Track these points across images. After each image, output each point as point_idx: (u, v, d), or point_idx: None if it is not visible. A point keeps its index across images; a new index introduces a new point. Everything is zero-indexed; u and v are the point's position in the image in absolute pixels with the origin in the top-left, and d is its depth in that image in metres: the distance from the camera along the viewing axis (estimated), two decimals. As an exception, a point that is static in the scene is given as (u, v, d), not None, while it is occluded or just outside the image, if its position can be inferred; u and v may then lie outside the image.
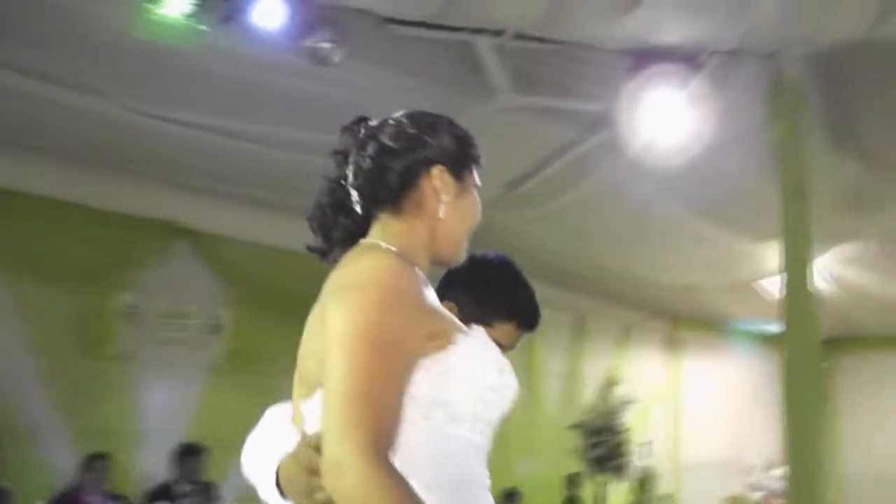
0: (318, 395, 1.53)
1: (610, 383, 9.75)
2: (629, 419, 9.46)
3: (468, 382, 1.58)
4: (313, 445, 1.50)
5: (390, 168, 1.72)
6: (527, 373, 9.76)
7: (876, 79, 6.47)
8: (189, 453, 7.20)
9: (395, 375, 1.49)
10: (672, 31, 5.66)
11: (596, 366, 10.86)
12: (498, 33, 5.53)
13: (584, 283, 10.35)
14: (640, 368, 11.47)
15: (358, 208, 1.76)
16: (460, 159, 1.79)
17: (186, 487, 7.13)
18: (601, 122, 6.86)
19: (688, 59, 6.08)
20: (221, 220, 7.95)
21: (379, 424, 1.42)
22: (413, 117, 1.79)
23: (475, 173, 1.83)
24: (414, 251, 1.70)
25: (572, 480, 9.54)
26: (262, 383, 7.62)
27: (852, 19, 5.46)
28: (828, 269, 9.44)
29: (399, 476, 1.39)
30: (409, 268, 1.60)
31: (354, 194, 1.75)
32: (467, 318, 1.87)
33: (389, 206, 1.73)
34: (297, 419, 1.67)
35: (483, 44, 5.54)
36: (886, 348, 11.99)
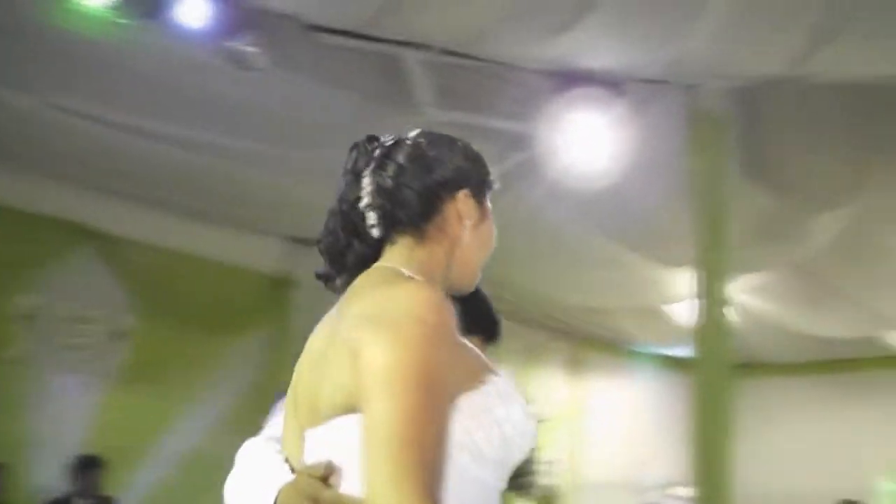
0: (336, 425, 1.49)
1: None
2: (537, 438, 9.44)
3: (497, 426, 1.52)
4: (317, 476, 1.47)
5: (414, 189, 1.65)
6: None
7: (793, 115, 6.62)
8: (88, 465, 6.90)
9: (444, 419, 1.42)
10: (598, 57, 5.69)
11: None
12: (425, 47, 5.48)
13: (497, 304, 10.33)
14: (544, 388, 11.51)
15: (374, 231, 1.66)
16: (480, 183, 1.75)
17: (84, 502, 6.86)
18: (521, 142, 6.87)
19: (611, 84, 6.12)
20: (129, 223, 7.70)
21: (432, 472, 1.36)
22: (430, 138, 1.74)
23: (488, 198, 1.77)
24: (433, 278, 1.64)
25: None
26: (166, 393, 7.44)
27: (775, 57, 5.56)
28: (732, 297, 9.62)
29: None
30: (446, 301, 1.51)
31: (372, 216, 1.65)
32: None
33: (411, 229, 1.65)
34: (291, 447, 1.62)
35: (409, 57, 5.49)
36: (786, 374, 12.42)
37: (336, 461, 1.50)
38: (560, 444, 11.31)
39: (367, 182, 1.67)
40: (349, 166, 1.71)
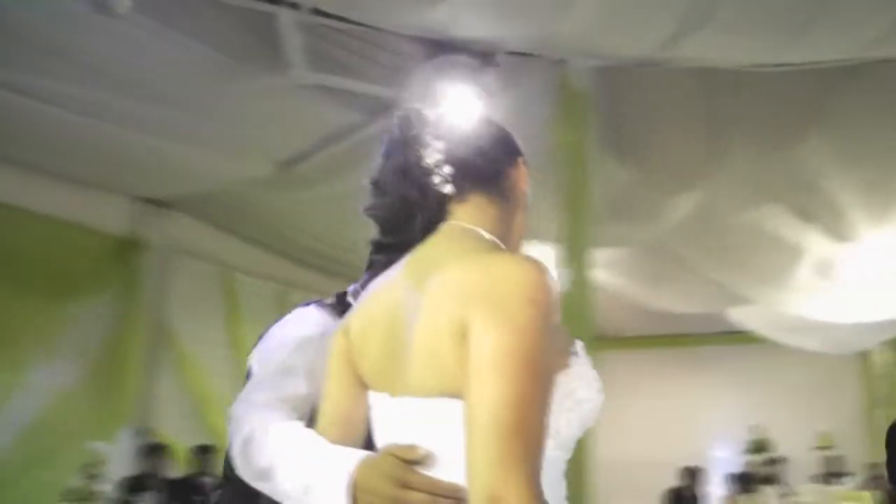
0: (433, 405, 1.49)
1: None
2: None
3: (578, 407, 1.55)
4: (409, 458, 1.47)
5: (487, 148, 1.74)
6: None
7: (655, 96, 6.72)
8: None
9: (547, 406, 1.42)
10: (472, 26, 5.60)
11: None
12: (296, 7, 5.27)
13: (348, 271, 10.18)
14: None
15: (446, 188, 1.71)
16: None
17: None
18: (389, 107, 6.75)
19: (482, 55, 6.06)
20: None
21: (537, 459, 1.37)
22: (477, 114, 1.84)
23: None
24: (504, 239, 1.69)
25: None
26: (4, 360, 6.99)
27: (644, 40, 5.61)
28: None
29: None
30: (551, 278, 1.49)
31: (444, 172, 1.71)
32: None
33: (483, 186, 1.72)
34: (339, 405, 1.67)
35: (280, 15, 5.27)
36: (639, 347, 12.85)
37: (429, 443, 1.51)
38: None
39: (435, 143, 1.74)
40: (405, 133, 1.79)
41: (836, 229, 8.57)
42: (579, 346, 1.62)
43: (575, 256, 6.25)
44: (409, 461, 1.49)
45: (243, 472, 1.76)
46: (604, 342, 12.01)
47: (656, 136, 7.12)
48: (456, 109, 6.21)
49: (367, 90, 6.30)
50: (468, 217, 1.70)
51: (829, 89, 6.65)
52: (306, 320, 2.12)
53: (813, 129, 7.19)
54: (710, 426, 13.82)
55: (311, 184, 7.80)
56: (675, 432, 12.22)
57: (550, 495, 1.47)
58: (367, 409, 1.68)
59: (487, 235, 1.67)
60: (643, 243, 8.85)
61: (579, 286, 6.16)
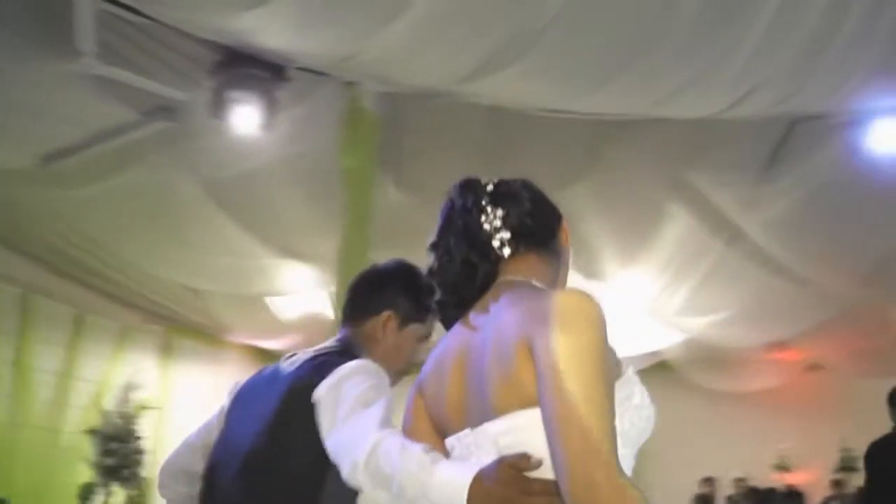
0: (515, 418, 1.67)
1: (128, 388, 9.24)
2: (142, 427, 9.03)
3: (636, 410, 1.74)
4: (522, 467, 1.63)
5: (541, 214, 2.00)
6: (13, 370, 8.99)
7: (443, 126, 6.89)
8: None
9: (613, 405, 1.60)
10: (272, 38, 5.51)
11: (91, 367, 10.27)
12: (95, -5, 5.00)
13: (87, 276, 9.68)
14: (135, 373, 11.01)
15: (504, 251, 1.94)
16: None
17: None
18: (170, 110, 6.53)
19: (275, 68, 5.98)
20: None
21: (614, 444, 1.54)
22: (524, 182, 2.05)
23: None
24: (551, 287, 1.91)
25: (85, 491, 8.82)
26: None
27: (445, 73, 5.71)
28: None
29: (636, 486, 1.52)
30: (601, 305, 1.68)
31: (502, 238, 1.94)
32: (405, 321, 2.57)
33: (537, 247, 1.97)
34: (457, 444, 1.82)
35: (77, 3, 4.98)
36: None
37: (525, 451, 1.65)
38: (147, 432, 10.84)
39: (495, 211, 1.96)
40: (465, 203, 1.99)
41: (589, 268, 9.09)
42: (625, 363, 1.78)
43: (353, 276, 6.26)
44: (522, 469, 1.63)
45: (364, 480, 1.91)
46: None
47: (436, 164, 7.27)
48: (245, 120, 6.12)
49: (153, 89, 6.05)
50: (521, 272, 1.92)
51: (603, 140, 7.08)
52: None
53: (583, 175, 7.62)
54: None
55: (75, 181, 7.37)
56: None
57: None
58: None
59: (539, 284, 1.88)
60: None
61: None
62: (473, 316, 1.89)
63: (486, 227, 1.95)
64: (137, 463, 8.80)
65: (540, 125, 6.62)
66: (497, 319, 1.77)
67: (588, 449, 1.51)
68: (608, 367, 1.62)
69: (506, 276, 1.91)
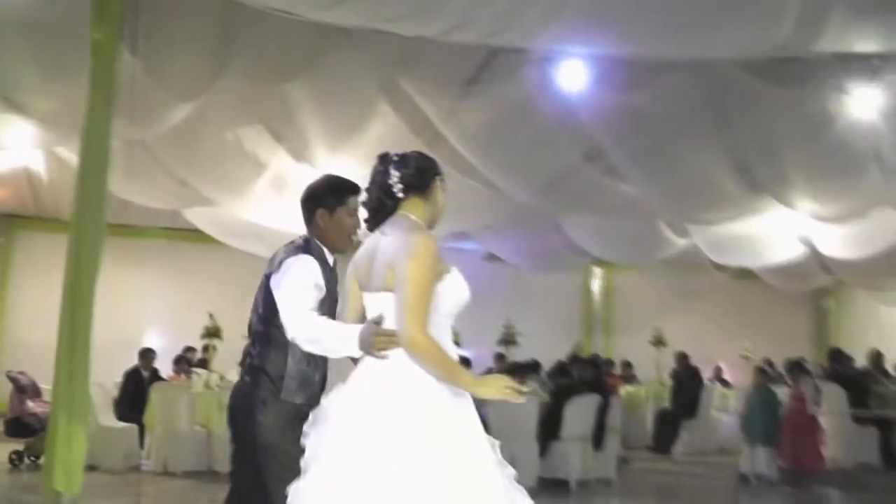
0: (383, 296, 3.24)
1: None
2: None
3: (451, 296, 3.26)
4: (378, 322, 3.23)
5: (427, 170, 3.47)
6: None
7: (186, 13, 7.39)
8: None
9: (430, 295, 3.17)
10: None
11: None
12: None
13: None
14: None
15: (400, 194, 3.40)
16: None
17: None
18: None
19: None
20: None
21: (425, 316, 3.14)
22: (417, 154, 3.53)
23: None
24: (427, 221, 3.42)
25: None
26: None
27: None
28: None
29: (436, 342, 3.12)
30: (436, 241, 3.25)
31: (398, 187, 3.40)
32: (331, 210, 3.94)
33: (422, 192, 3.42)
34: (356, 301, 3.46)
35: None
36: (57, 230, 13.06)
37: (383, 311, 3.23)
38: None
39: (395, 173, 3.40)
40: (379, 167, 3.44)
41: (300, 153, 9.92)
42: (454, 270, 3.29)
43: (93, 144, 6.71)
44: (377, 323, 3.22)
45: (303, 341, 3.54)
46: (52, 224, 12.29)
47: (173, 48, 7.76)
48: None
49: None
50: (408, 209, 3.39)
51: (327, 42, 7.91)
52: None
53: (305, 72, 8.43)
54: (151, 314, 14.91)
55: None
56: (118, 318, 12.58)
57: (443, 340, 3.17)
58: (362, 301, 3.42)
59: (415, 219, 3.37)
60: (130, 139, 9.29)
61: (96, 168, 6.68)
62: (383, 228, 3.37)
63: (390, 181, 3.40)
64: None
65: (270, 23, 7.28)
66: (388, 238, 3.29)
67: (412, 318, 3.09)
68: (433, 274, 3.16)
69: (401, 210, 3.39)
